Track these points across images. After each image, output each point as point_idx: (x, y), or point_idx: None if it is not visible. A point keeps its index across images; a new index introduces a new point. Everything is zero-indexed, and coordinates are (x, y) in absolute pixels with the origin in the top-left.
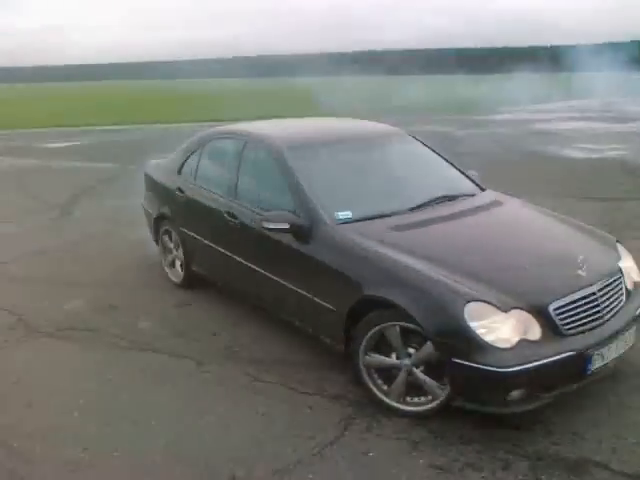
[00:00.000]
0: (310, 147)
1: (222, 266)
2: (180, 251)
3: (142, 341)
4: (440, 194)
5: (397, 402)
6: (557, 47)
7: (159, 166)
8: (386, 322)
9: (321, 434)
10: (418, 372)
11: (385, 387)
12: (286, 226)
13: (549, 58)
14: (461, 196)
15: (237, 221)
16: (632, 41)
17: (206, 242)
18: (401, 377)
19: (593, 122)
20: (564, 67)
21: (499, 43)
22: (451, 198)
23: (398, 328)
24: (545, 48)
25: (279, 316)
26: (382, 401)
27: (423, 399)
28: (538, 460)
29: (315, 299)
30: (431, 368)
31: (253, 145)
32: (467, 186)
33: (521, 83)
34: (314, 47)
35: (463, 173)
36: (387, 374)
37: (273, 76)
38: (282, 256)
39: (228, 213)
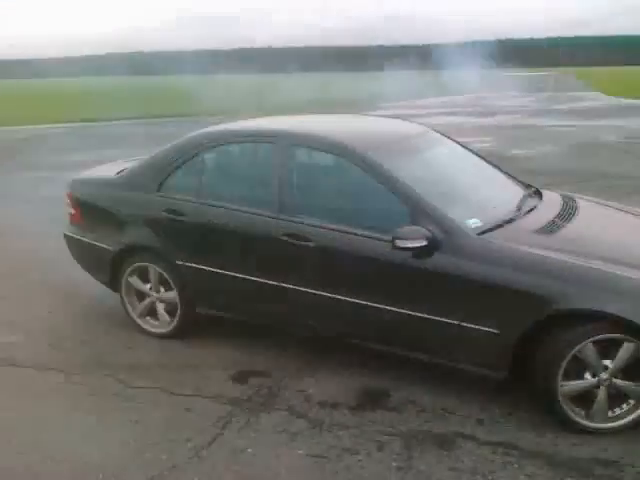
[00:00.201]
0: (388, 149)
1: (268, 301)
2: (173, 292)
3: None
4: (521, 194)
5: (604, 422)
6: (428, 46)
7: (99, 183)
8: (590, 337)
9: (199, 436)
10: (619, 382)
11: (583, 412)
12: (424, 243)
13: (422, 56)
14: (531, 195)
15: (309, 244)
16: (498, 40)
17: (235, 274)
18: (602, 394)
19: (462, 116)
20: (435, 65)
21: (376, 41)
22: (531, 196)
23: (591, 343)
24: (417, 47)
25: (389, 350)
26: (587, 427)
27: (625, 406)
28: (411, 438)
29: (462, 324)
30: (628, 371)
31: (305, 149)
32: (519, 184)
33: (396, 80)
34: (192, 44)
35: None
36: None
37: (148, 74)
38: (397, 278)
39: (289, 235)
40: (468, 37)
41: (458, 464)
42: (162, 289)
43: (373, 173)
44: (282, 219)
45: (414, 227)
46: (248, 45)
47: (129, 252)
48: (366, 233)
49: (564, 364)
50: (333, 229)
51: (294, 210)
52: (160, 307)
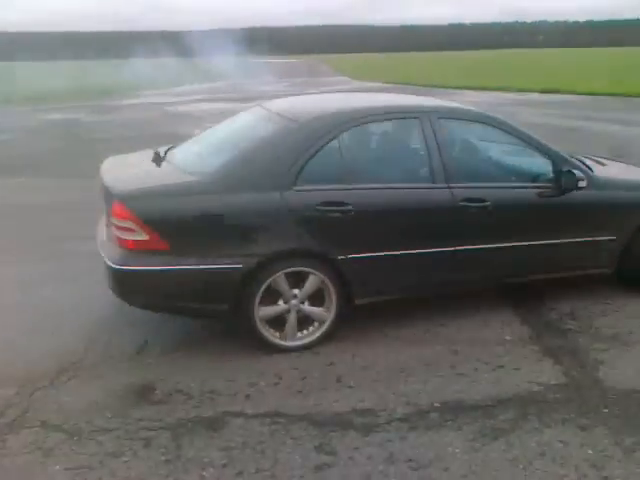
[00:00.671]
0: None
1: (443, 269)
2: (330, 293)
3: None
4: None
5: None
6: (178, 33)
7: (180, 192)
8: None
9: None
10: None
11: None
12: (585, 183)
13: (172, 43)
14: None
15: (486, 204)
16: (252, 27)
17: (409, 252)
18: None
19: (226, 102)
20: (188, 52)
21: (137, 27)
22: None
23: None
24: (168, 33)
25: (526, 277)
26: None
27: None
28: (179, 427)
29: (596, 238)
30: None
31: (453, 121)
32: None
33: (150, 68)
34: None
35: None
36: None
37: None
38: (556, 215)
39: (467, 200)
40: (217, 25)
41: (228, 443)
42: (297, 292)
43: (517, 135)
44: (455, 187)
45: (579, 173)
46: None
47: (267, 264)
48: (524, 184)
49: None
50: (500, 187)
51: (462, 177)
52: (292, 314)
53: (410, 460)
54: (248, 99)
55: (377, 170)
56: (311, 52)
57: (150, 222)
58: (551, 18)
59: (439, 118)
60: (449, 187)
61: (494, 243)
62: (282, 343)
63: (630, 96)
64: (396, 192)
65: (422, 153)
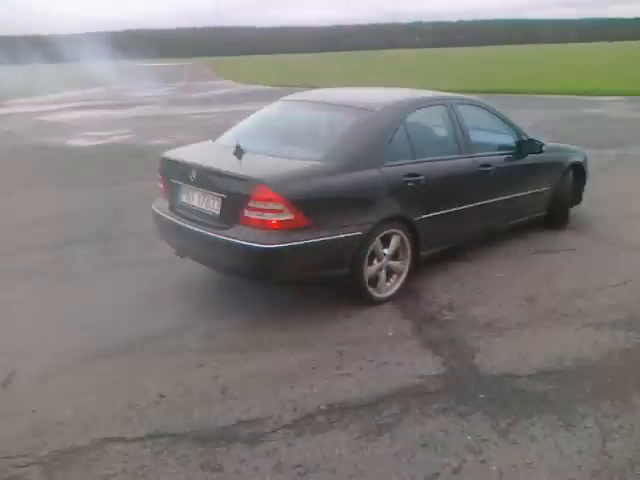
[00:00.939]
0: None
1: (473, 220)
2: (405, 249)
3: None
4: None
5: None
6: (45, 37)
7: (312, 175)
8: None
9: None
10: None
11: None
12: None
13: (39, 48)
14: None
15: (490, 169)
16: (129, 30)
17: (456, 209)
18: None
19: (98, 110)
20: (57, 57)
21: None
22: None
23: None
24: (32, 38)
25: (509, 223)
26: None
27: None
28: (52, 461)
29: (541, 189)
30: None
31: (465, 106)
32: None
33: (16, 74)
34: None
35: None
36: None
37: None
38: (524, 172)
39: (483, 165)
40: (90, 28)
41: (107, 471)
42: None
43: (497, 115)
44: (473, 156)
45: (538, 140)
46: None
47: (375, 229)
48: (507, 152)
49: None
50: (495, 154)
51: (475, 149)
52: (382, 272)
53: (298, 466)
54: (122, 106)
55: (429, 147)
56: (192, 55)
57: (296, 202)
58: (426, 19)
59: (457, 104)
60: (470, 157)
61: (496, 198)
62: (379, 296)
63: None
64: (445, 163)
65: (451, 132)
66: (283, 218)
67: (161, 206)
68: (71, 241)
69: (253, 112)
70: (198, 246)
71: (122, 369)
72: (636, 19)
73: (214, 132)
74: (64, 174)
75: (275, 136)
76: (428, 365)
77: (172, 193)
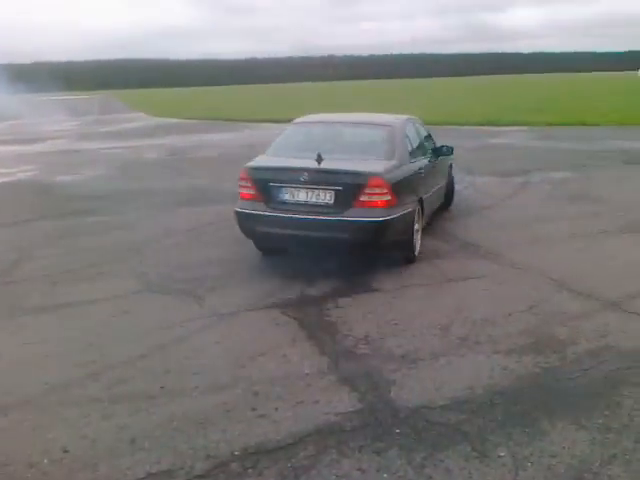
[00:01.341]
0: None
1: (432, 202)
2: (419, 218)
3: None
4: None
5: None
6: None
7: (396, 165)
8: None
9: None
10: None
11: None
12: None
13: None
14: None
15: (422, 171)
16: (32, 62)
17: (429, 194)
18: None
19: (3, 145)
20: None
21: None
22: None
23: None
24: None
25: (434, 209)
26: (416, 256)
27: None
28: None
29: (443, 183)
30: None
31: (416, 123)
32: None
33: None
34: None
35: None
36: None
37: None
38: (438, 171)
39: (419, 168)
40: None
41: None
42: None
43: (425, 130)
44: (416, 161)
45: (448, 146)
46: None
47: (417, 205)
48: (430, 157)
49: None
50: (423, 159)
51: (417, 155)
52: (418, 235)
53: None
54: (28, 141)
55: (414, 150)
56: (103, 88)
57: (392, 187)
58: (339, 53)
59: (412, 122)
60: (426, 157)
61: (429, 190)
62: (415, 254)
63: None
64: (425, 161)
65: (416, 140)
66: (386, 199)
67: (251, 206)
68: None
69: (165, 145)
70: (310, 231)
71: (22, 424)
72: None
73: (124, 167)
74: None
75: (332, 146)
76: (345, 402)
77: (268, 194)
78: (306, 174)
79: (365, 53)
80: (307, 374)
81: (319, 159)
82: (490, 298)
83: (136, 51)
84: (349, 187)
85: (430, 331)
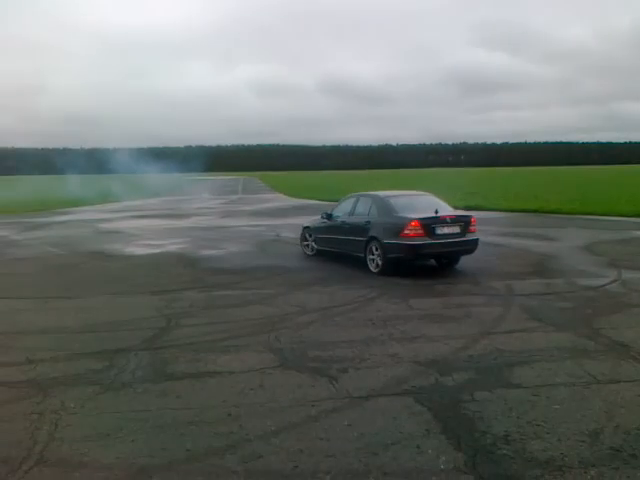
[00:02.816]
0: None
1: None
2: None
3: None
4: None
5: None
6: (100, 150)
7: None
8: None
9: None
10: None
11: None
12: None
13: (95, 160)
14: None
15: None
16: (185, 146)
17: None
18: None
19: (155, 219)
20: (113, 169)
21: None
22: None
23: None
24: (91, 151)
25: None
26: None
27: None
28: None
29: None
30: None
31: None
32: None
33: (80, 183)
34: None
35: None
36: None
37: None
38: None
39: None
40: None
41: None
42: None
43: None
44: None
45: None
46: None
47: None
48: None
49: None
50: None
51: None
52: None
53: None
54: (179, 216)
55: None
56: (247, 169)
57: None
58: (471, 140)
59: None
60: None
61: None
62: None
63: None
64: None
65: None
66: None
67: (419, 239)
68: (121, 350)
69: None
70: (453, 247)
71: None
72: None
73: (263, 244)
74: (120, 281)
75: (429, 206)
76: None
77: (429, 231)
78: (448, 219)
79: (499, 141)
80: (442, 470)
81: (436, 210)
82: None
83: (274, 136)
84: (464, 223)
85: (577, 437)
